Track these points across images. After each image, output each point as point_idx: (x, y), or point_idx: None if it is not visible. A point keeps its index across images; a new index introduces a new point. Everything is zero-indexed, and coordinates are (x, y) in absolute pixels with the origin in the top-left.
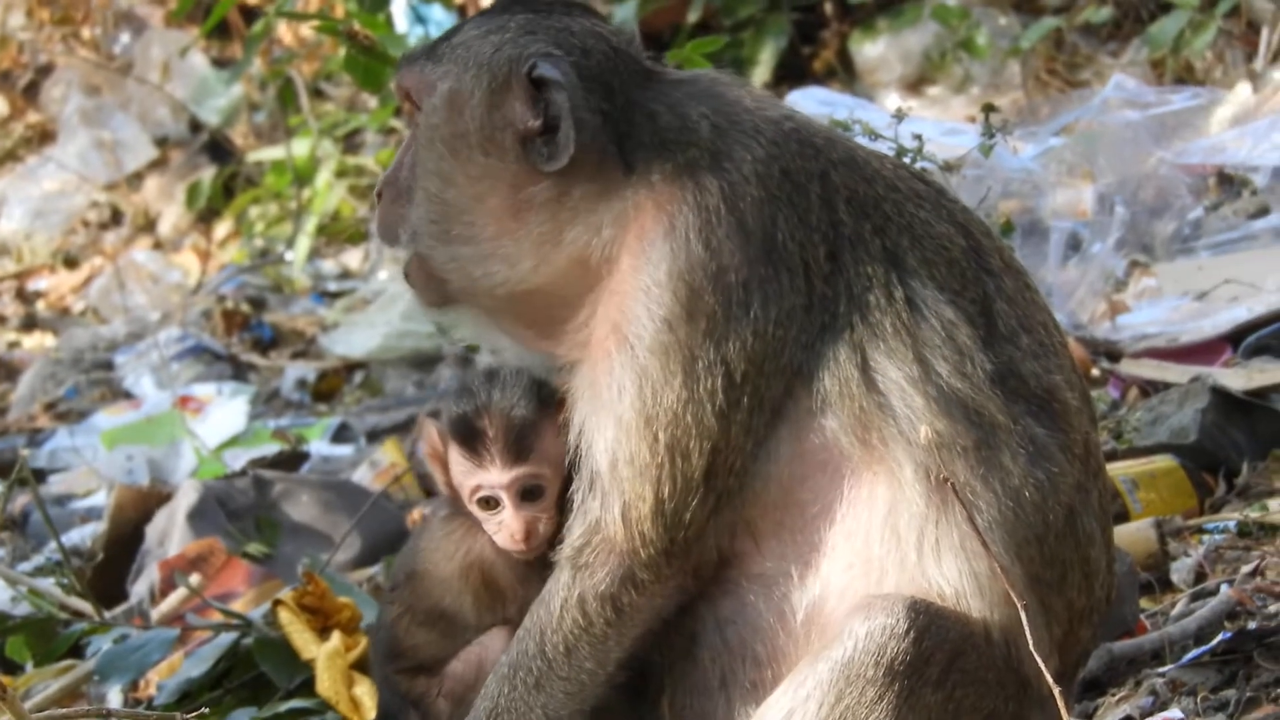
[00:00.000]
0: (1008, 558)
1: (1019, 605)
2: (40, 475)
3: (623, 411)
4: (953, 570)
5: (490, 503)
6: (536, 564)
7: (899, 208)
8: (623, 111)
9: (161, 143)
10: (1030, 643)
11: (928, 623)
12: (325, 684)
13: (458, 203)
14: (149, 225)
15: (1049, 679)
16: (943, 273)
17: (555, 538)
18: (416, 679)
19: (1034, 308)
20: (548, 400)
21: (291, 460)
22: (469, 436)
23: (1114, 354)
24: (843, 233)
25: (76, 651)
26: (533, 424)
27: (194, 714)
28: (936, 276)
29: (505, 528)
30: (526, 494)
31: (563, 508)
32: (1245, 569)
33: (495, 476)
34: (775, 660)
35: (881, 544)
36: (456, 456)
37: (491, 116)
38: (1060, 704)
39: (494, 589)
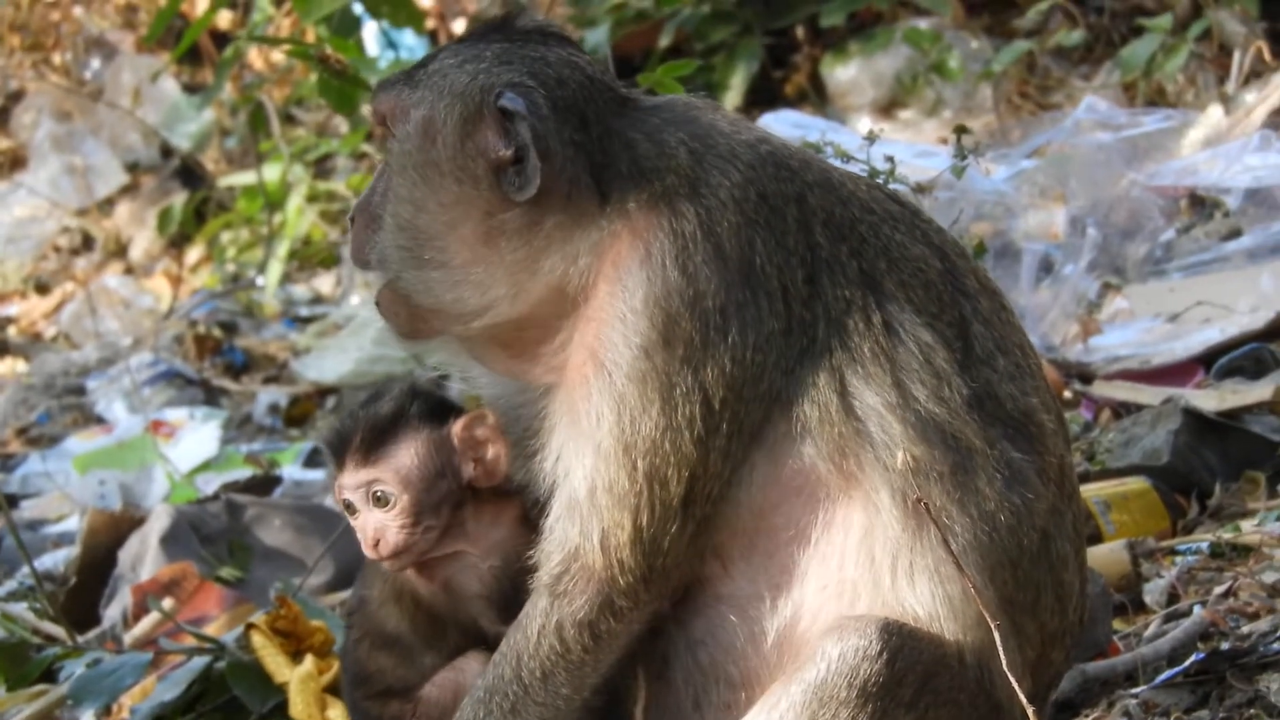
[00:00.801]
0: (981, 580)
1: (992, 627)
2: (12, 500)
3: (601, 439)
4: (926, 593)
5: (350, 508)
6: (471, 589)
7: (875, 230)
8: (599, 141)
9: (133, 168)
10: (1004, 664)
11: (900, 644)
12: (298, 708)
13: (429, 229)
14: (120, 251)
15: (1023, 700)
16: (920, 295)
17: (434, 553)
18: (389, 704)
19: (1010, 329)
20: (422, 417)
21: (264, 485)
22: (333, 443)
23: (1086, 376)
24: (820, 255)
25: (50, 676)
26: (387, 432)
27: None
28: (914, 299)
29: (359, 532)
30: (377, 500)
31: (418, 522)
32: (1218, 590)
33: (345, 478)
34: (748, 681)
35: (855, 567)
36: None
37: (464, 145)
38: None
39: (429, 614)
